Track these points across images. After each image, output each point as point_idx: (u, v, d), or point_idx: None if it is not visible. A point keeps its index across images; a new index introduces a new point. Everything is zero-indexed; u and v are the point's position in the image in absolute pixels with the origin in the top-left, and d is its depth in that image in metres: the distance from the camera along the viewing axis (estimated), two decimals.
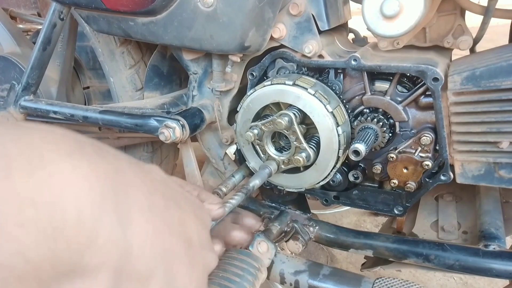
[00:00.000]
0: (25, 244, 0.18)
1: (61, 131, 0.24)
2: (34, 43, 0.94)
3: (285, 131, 0.58)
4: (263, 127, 0.59)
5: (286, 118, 0.56)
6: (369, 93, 0.61)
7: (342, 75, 0.63)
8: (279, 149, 0.64)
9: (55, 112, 0.84)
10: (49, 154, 0.21)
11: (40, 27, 1.47)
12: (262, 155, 0.63)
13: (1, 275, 0.17)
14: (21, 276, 0.18)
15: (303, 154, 0.57)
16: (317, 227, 0.70)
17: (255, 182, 0.57)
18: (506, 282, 0.67)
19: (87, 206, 0.22)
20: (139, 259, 0.25)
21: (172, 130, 0.67)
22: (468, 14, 0.62)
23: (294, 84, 0.57)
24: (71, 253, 0.20)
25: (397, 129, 0.61)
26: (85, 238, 0.21)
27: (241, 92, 0.71)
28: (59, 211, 0.20)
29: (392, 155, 0.59)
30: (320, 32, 0.62)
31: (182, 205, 0.35)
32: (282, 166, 0.61)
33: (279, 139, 0.64)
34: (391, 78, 0.60)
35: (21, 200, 0.18)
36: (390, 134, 0.61)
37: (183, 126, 0.67)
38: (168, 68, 0.91)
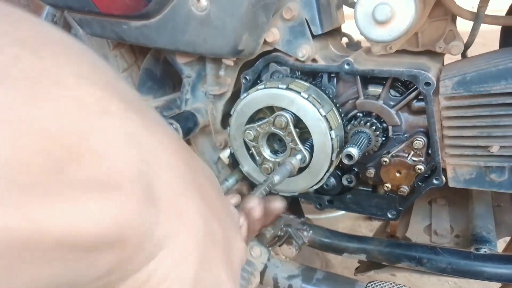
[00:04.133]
0: None
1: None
2: None
3: (281, 132, 0.58)
4: (259, 128, 0.59)
5: (283, 119, 0.56)
6: (362, 97, 0.61)
7: (335, 79, 0.63)
8: (273, 153, 0.64)
9: None
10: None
11: None
12: (257, 158, 0.63)
13: None
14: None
15: (298, 156, 0.57)
16: (310, 231, 0.69)
17: (277, 178, 0.53)
18: (500, 286, 0.67)
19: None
20: (167, 191, 0.21)
21: None
22: (460, 19, 0.63)
23: (287, 88, 0.58)
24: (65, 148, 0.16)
25: (390, 133, 0.61)
26: (89, 147, 0.17)
27: (235, 96, 0.71)
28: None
29: (385, 159, 0.60)
30: (313, 36, 0.62)
31: (216, 186, 0.29)
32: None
33: (273, 142, 0.64)
34: (384, 82, 0.60)
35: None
36: (383, 138, 0.61)
37: (176, 129, 0.67)
38: (161, 71, 0.91)
